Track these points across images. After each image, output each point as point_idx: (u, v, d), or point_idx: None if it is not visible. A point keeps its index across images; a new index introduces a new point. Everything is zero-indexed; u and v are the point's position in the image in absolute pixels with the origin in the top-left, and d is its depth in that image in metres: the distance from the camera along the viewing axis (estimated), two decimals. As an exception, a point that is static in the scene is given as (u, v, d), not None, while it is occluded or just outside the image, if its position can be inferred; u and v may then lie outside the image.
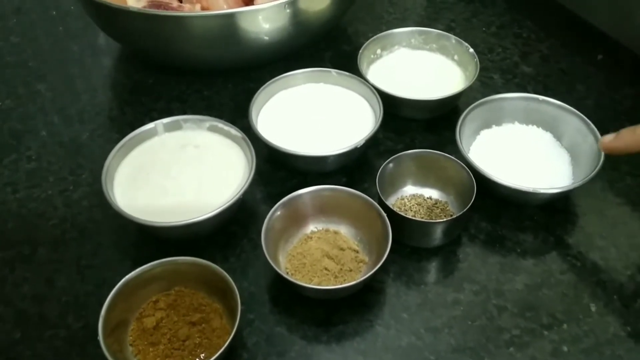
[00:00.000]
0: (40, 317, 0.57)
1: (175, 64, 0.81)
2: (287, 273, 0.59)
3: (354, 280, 0.57)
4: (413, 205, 0.65)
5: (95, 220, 0.65)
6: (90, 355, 0.54)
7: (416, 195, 0.66)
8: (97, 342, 0.50)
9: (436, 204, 0.65)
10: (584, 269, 0.60)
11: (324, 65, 0.80)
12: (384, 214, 0.59)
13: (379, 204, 0.60)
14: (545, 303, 0.57)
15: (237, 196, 0.60)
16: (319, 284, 0.58)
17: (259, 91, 0.71)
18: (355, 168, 0.70)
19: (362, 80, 0.72)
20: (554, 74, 0.82)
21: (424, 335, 0.55)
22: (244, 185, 0.61)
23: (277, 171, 0.70)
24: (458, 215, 0.60)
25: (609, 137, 0.58)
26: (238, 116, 0.73)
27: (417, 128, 0.75)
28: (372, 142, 0.72)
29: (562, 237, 0.63)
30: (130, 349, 0.54)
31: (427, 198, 0.65)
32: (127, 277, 0.55)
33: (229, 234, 0.64)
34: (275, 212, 0.60)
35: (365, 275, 0.56)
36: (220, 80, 0.82)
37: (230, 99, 0.79)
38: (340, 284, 0.57)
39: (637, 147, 0.55)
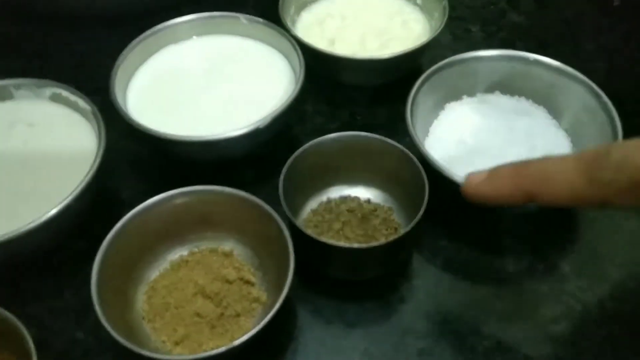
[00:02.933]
0: None
1: (38, 7, 0.59)
2: (143, 318, 0.40)
3: (242, 331, 0.38)
4: (343, 212, 0.45)
5: None
6: None
7: (348, 198, 0.46)
8: None
9: (375, 210, 0.45)
10: (588, 315, 0.40)
11: (247, 11, 0.58)
12: (285, 229, 0.39)
13: (285, 215, 0.40)
14: (528, 371, 0.38)
15: (70, 198, 0.40)
16: (186, 338, 0.38)
17: (128, 47, 0.50)
18: (269, 156, 0.50)
19: (282, 31, 0.51)
20: (553, 26, 0.63)
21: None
22: (83, 180, 0.41)
23: (157, 158, 0.50)
24: (404, 232, 0.39)
25: (478, 178, 0.35)
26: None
27: (361, 99, 0.55)
28: (297, 119, 0.52)
29: (556, 263, 0.43)
30: None
31: (364, 202, 0.45)
32: None
33: (75, 253, 0.44)
34: (129, 223, 0.40)
35: (256, 326, 0.36)
36: (100, 31, 0.61)
37: (111, 57, 0.58)
38: (221, 341, 0.38)
39: (516, 197, 0.33)
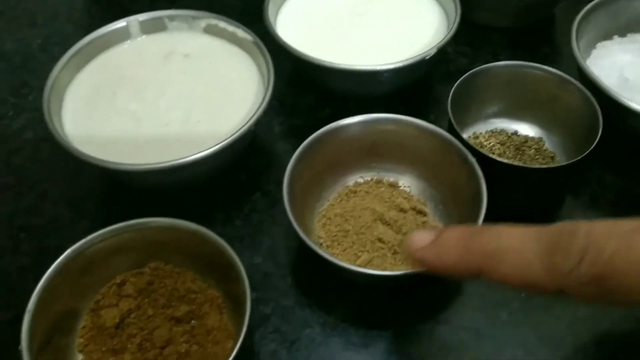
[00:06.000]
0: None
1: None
2: (321, 245, 0.39)
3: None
4: (494, 144, 0.44)
5: (41, 160, 0.46)
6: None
7: (496, 131, 0.45)
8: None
9: (526, 142, 0.44)
10: None
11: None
12: (473, 159, 0.38)
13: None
14: None
15: (245, 128, 0.39)
16: (369, 263, 0.38)
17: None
18: (415, 93, 0.49)
19: (428, -33, 0.50)
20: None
21: (535, 346, 0.36)
22: (255, 113, 0.40)
23: (304, 95, 0.50)
24: (587, 152, 0.39)
25: (422, 240, 0.29)
26: (249, 20, 0.51)
27: (500, 41, 0.54)
28: (439, 58, 0.51)
29: None
30: (80, 357, 0.35)
31: (512, 134, 0.45)
32: (76, 246, 0.35)
33: (235, 184, 0.44)
34: (304, 153, 0.39)
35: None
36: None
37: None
38: (404, 267, 0.38)
39: (461, 271, 0.28)
